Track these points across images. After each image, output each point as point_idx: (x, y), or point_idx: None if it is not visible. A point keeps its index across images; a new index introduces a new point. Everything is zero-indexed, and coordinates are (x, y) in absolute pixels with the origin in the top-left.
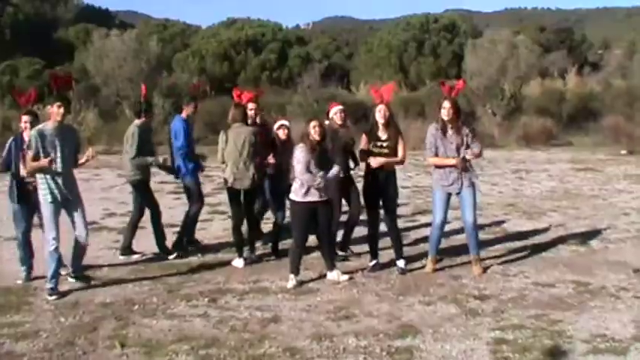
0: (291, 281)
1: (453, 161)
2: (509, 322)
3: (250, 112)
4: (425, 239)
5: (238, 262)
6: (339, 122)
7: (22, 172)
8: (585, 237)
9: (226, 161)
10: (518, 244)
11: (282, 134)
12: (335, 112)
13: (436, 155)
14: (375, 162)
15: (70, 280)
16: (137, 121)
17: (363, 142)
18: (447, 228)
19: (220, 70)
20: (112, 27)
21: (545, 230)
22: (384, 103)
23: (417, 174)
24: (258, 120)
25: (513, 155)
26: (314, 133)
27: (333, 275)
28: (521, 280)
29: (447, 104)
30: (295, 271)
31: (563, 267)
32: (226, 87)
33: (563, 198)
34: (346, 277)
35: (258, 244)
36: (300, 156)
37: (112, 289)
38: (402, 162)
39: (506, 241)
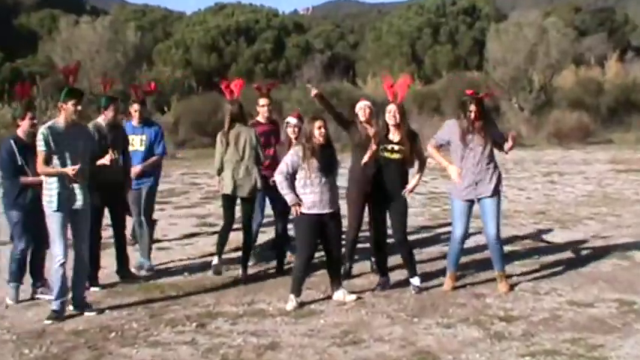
0: (292, 302)
1: (446, 164)
2: (540, 347)
3: (263, 109)
4: (443, 253)
5: (214, 261)
6: (362, 119)
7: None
8: (628, 248)
9: (224, 168)
10: (550, 257)
11: (291, 133)
12: (360, 108)
13: (439, 149)
14: (366, 156)
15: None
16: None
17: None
18: (469, 239)
19: (208, 62)
20: (82, 13)
21: (581, 241)
22: (398, 102)
23: (432, 178)
24: (268, 117)
25: (544, 155)
26: (318, 135)
27: (338, 295)
28: (554, 298)
29: (473, 107)
30: (297, 291)
31: (603, 283)
32: (215, 82)
33: (602, 204)
34: (353, 297)
35: (251, 263)
36: (289, 160)
37: (84, 314)
38: (421, 166)
39: (537, 254)
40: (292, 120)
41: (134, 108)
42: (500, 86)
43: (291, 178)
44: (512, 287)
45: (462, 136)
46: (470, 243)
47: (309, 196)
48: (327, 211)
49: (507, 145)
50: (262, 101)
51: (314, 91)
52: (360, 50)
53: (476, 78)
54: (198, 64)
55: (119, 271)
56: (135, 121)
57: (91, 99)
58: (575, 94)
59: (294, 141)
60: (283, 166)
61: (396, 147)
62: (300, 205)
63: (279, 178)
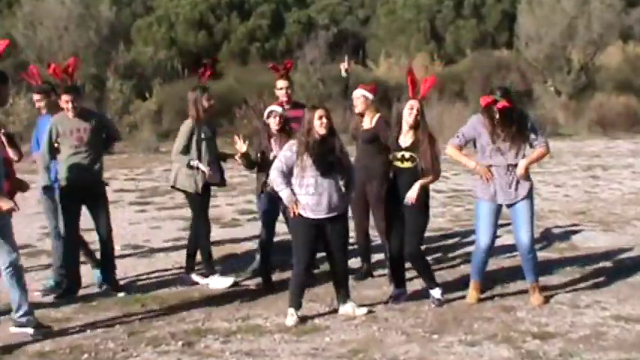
0: (291, 317)
1: (472, 164)
2: None
3: (281, 92)
4: (466, 259)
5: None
6: (357, 110)
7: None
8: None
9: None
10: (592, 264)
11: (274, 124)
12: (356, 97)
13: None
14: (410, 199)
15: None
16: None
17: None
18: (497, 242)
19: (195, 41)
20: None
21: (629, 247)
22: (419, 98)
23: (454, 174)
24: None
25: (584, 146)
26: (319, 126)
27: (346, 309)
28: (596, 312)
29: (497, 116)
30: (296, 304)
31: None
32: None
33: None
34: (364, 310)
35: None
36: (282, 156)
37: (53, 333)
38: (433, 180)
39: (576, 261)
40: (277, 108)
41: (64, 98)
42: (534, 66)
43: (289, 174)
44: (547, 299)
45: (491, 136)
46: (498, 247)
47: (303, 197)
48: (324, 215)
49: (520, 168)
50: (281, 83)
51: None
52: (371, 26)
53: (505, 57)
54: (184, 43)
55: (104, 280)
56: (70, 114)
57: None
58: (622, 74)
59: (274, 133)
60: (277, 163)
61: (407, 154)
62: (297, 204)
63: (272, 173)
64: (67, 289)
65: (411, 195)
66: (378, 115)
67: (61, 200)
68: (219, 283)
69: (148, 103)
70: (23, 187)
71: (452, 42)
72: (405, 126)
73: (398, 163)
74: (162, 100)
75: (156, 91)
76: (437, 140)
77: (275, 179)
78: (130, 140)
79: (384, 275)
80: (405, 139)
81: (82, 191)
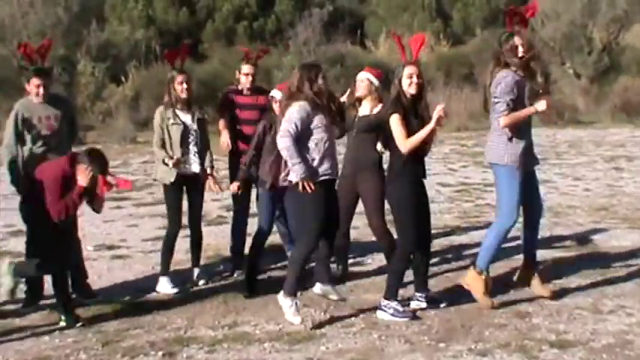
0: (293, 308)
1: (531, 108)
2: None
3: (245, 77)
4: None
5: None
6: (360, 93)
7: None
8: None
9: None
10: (615, 266)
11: (276, 110)
12: (361, 80)
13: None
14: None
15: None
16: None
17: (396, 122)
18: (509, 240)
19: (176, 20)
20: None
21: None
22: (413, 62)
23: (462, 166)
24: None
25: (607, 135)
26: (322, 83)
27: (326, 290)
28: (621, 319)
29: (518, 41)
30: (294, 292)
31: None
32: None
33: None
34: (337, 296)
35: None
36: (297, 118)
37: (18, 341)
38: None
39: (598, 262)
40: (277, 94)
41: (35, 82)
42: (551, 47)
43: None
44: (554, 294)
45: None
46: (510, 247)
47: (327, 160)
48: (334, 177)
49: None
50: (246, 68)
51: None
52: (370, 3)
53: None
54: (164, 21)
55: (73, 289)
56: (39, 99)
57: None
58: None
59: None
60: (291, 130)
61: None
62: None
63: (285, 142)
64: (31, 295)
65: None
66: (380, 105)
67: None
68: (164, 287)
69: (124, 88)
70: None
71: (459, 20)
72: (411, 93)
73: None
74: (139, 84)
75: (132, 75)
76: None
77: (289, 148)
78: (103, 129)
79: (384, 275)
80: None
81: None
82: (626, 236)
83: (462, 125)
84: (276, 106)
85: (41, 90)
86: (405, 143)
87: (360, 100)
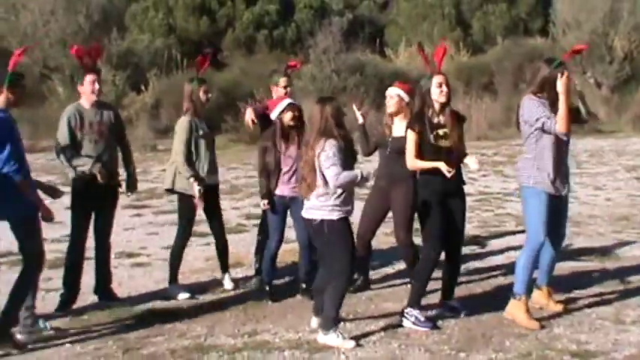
0: (342, 339)
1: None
2: None
3: (281, 90)
4: (497, 268)
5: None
6: (390, 110)
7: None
8: None
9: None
10: (637, 275)
11: (288, 119)
12: (391, 96)
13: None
14: (446, 169)
15: None
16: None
17: (410, 138)
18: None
19: (196, 28)
20: None
21: None
22: (439, 71)
23: (483, 175)
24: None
25: (628, 144)
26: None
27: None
28: None
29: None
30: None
31: None
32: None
33: None
34: (351, 344)
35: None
36: (333, 153)
37: (38, 350)
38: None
39: (619, 272)
40: (291, 101)
41: (90, 79)
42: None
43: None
44: (565, 307)
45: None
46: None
47: (349, 200)
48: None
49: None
50: (282, 81)
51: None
52: (391, 12)
53: (539, 46)
54: (185, 30)
55: (96, 292)
56: (93, 97)
57: (44, 74)
58: None
59: (289, 130)
60: (338, 166)
61: (447, 131)
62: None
63: (345, 177)
64: (64, 299)
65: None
66: None
67: (74, 201)
68: (175, 293)
69: (144, 96)
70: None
71: (480, 29)
72: (437, 105)
73: (441, 142)
74: (159, 93)
75: (152, 84)
76: (465, 119)
77: (347, 177)
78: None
79: (404, 284)
80: (440, 118)
81: (97, 192)
82: None
83: (481, 135)
84: (290, 115)
85: (96, 86)
86: (411, 162)
87: (391, 116)
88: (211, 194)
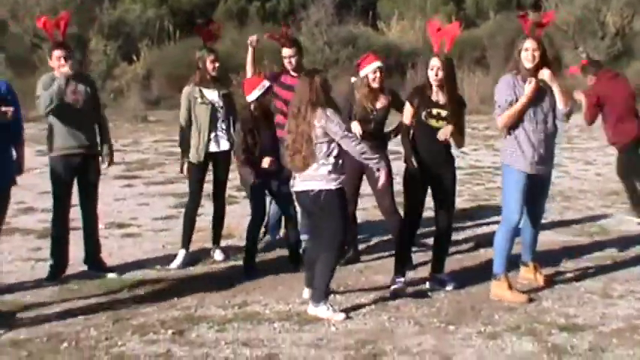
0: (332, 311)
1: (526, 93)
2: None
3: (286, 60)
4: (486, 243)
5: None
6: (375, 86)
7: None
8: None
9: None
10: (625, 250)
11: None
12: (373, 71)
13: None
14: (443, 134)
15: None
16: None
17: (407, 112)
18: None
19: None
20: None
21: None
22: (445, 54)
23: (474, 149)
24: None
25: None
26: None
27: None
28: (630, 303)
29: (529, 44)
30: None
31: None
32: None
33: None
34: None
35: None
36: (339, 121)
37: (28, 320)
38: (461, 145)
39: (608, 247)
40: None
41: (57, 54)
42: (563, 31)
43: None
44: (549, 280)
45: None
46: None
47: (342, 168)
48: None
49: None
50: (286, 51)
51: None
52: None
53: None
54: (177, 0)
55: (86, 260)
56: (64, 70)
57: (35, 43)
58: None
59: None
60: (340, 123)
61: (443, 112)
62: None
63: (361, 147)
64: (53, 269)
65: (445, 132)
66: (387, 89)
67: (53, 173)
68: (178, 260)
69: (135, 66)
70: None
71: (472, 3)
72: (434, 84)
73: (432, 122)
74: (150, 63)
75: (144, 54)
76: (466, 105)
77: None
78: (114, 108)
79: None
80: (438, 97)
81: (75, 162)
82: (636, 221)
83: (473, 109)
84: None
85: (63, 62)
86: (403, 122)
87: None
88: (219, 162)
